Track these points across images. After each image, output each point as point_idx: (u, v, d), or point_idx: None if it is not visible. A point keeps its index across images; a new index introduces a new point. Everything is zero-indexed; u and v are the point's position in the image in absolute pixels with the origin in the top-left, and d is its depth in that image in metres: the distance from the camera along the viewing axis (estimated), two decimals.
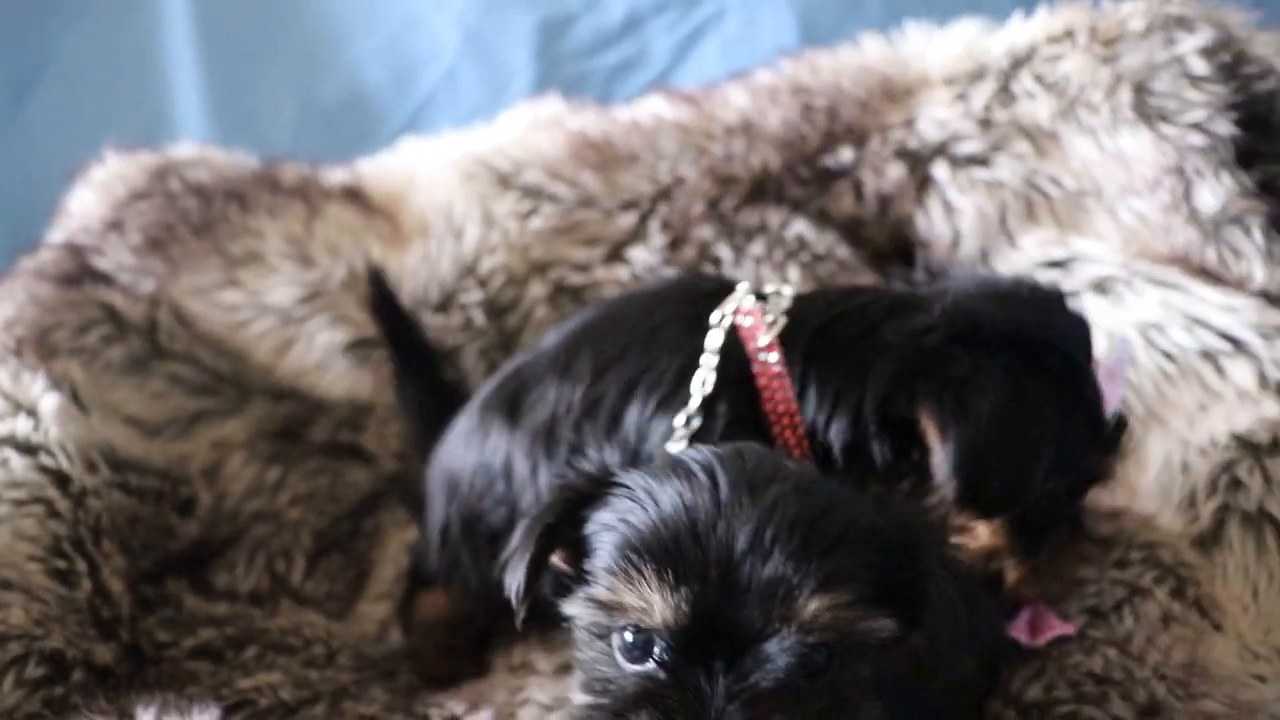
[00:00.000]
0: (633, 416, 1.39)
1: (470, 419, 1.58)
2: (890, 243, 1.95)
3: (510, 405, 1.50)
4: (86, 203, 1.94)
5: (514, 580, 1.15)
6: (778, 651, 0.98)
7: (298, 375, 1.91)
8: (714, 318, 1.38)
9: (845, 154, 1.92)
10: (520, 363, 1.59)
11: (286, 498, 1.90)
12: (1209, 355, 1.74)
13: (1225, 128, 1.77)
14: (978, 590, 1.14)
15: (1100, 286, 1.80)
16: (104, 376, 1.84)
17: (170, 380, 1.89)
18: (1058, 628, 1.48)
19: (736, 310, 1.38)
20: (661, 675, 1.01)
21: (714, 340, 1.36)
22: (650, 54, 2.39)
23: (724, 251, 1.90)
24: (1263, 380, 1.70)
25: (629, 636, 1.03)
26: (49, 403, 1.65)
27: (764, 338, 1.35)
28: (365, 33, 2.39)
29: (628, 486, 1.09)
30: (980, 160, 1.89)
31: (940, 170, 1.90)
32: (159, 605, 1.68)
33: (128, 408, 1.85)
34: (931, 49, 1.96)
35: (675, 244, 1.91)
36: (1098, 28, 1.83)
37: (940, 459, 1.26)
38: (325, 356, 1.90)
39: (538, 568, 1.13)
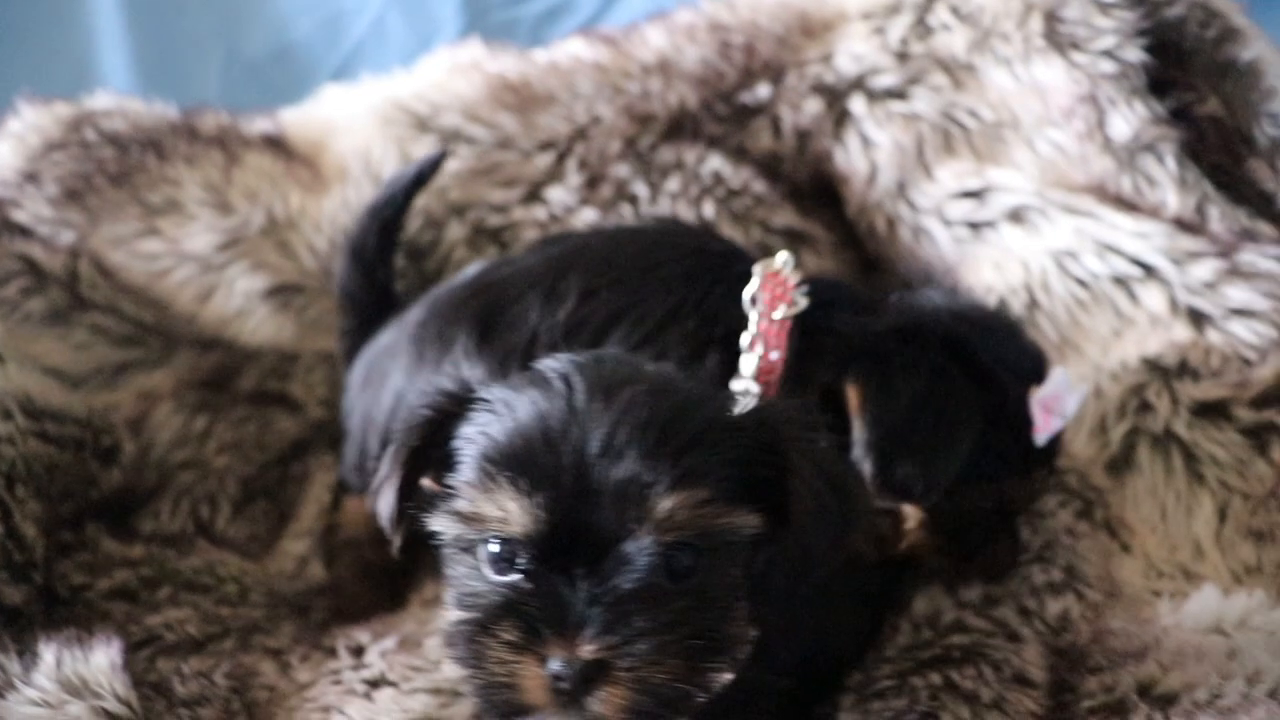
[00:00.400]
0: (613, 346, 1.40)
1: (425, 327, 1.55)
2: (810, 179, 1.94)
3: (482, 322, 1.47)
4: (1, 155, 1.93)
5: (385, 507, 1.16)
6: (637, 553, 0.98)
7: (221, 324, 1.91)
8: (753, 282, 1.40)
9: (763, 90, 1.92)
10: (490, 278, 1.56)
11: (213, 446, 1.91)
12: (1121, 281, 1.75)
13: (1135, 54, 1.77)
14: (849, 481, 1.13)
15: (1015, 216, 1.81)
16: (24, 328, 1.83)
17: (93, 331, 1.89)
18: None
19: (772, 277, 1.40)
20: (524, 584, 1.01)
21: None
22: (577, 1, 2.39)
23: (640, 189, 1.89)
24: (1173, 305, 1.71)
25: (493, 548, 1.04)
26: None
27: (780, 313, 1.38)
28: None
29: (487, 400, 1.09)
30: (897, 93, 1.89)
31: (857, 104, 1.90)
32: (77, 549, 1.68)
33: (50, 359, 1.84)
34: None
35: (592, 183, 1.91)
36: None
37: (858, 432, 1.30)
38: (246, 303, 1.89)
39: (407, 492, 1.14)
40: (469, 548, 1.07)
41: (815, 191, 1.95)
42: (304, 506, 1.84)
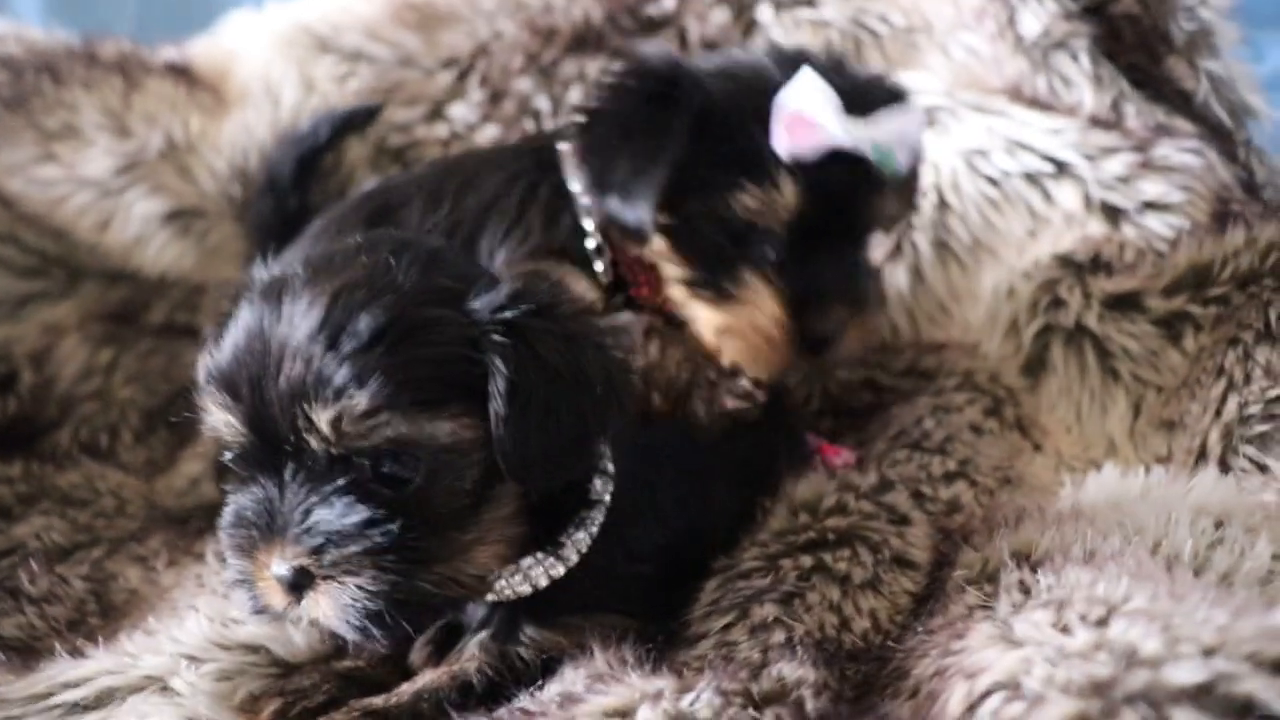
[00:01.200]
0: (485, 241, 1.43)
1: (319, 236, 1.56)
2: None
3: (371, 224, 1.48)
4: None
5: None
6: (327, 461, 0.99)
7: (123, 252, 1.88)
8: None
9: (668, 2, 1.88)
10: (379, 188, 1.62)
11: (119, 378, 1.88)
12: (1034, 179, 1.71)
13: None
14: (575, 397, 1.04)
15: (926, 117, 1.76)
16: None
17: None
18: (844, 456, 1.46)
19: None
20: (247, 493, 1.03)
21: None
22: None
23: (543, 103, 1.87)
24: (1087, 201, 1.67)
25: (229, 455, 1.05)
26: None
27: None
28: None
29: (228, 312, 1.08)
30: (805, 1, 1.85)
31: (764, 13, 1.86)
32: None
33: None
34: None
35: (494, 99, 1.88)
36: None
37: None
38: (144, 228, 1.86)
39: None
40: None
41: None
42: (188, 450, 1.79)
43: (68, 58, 1.91)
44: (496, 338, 1.00)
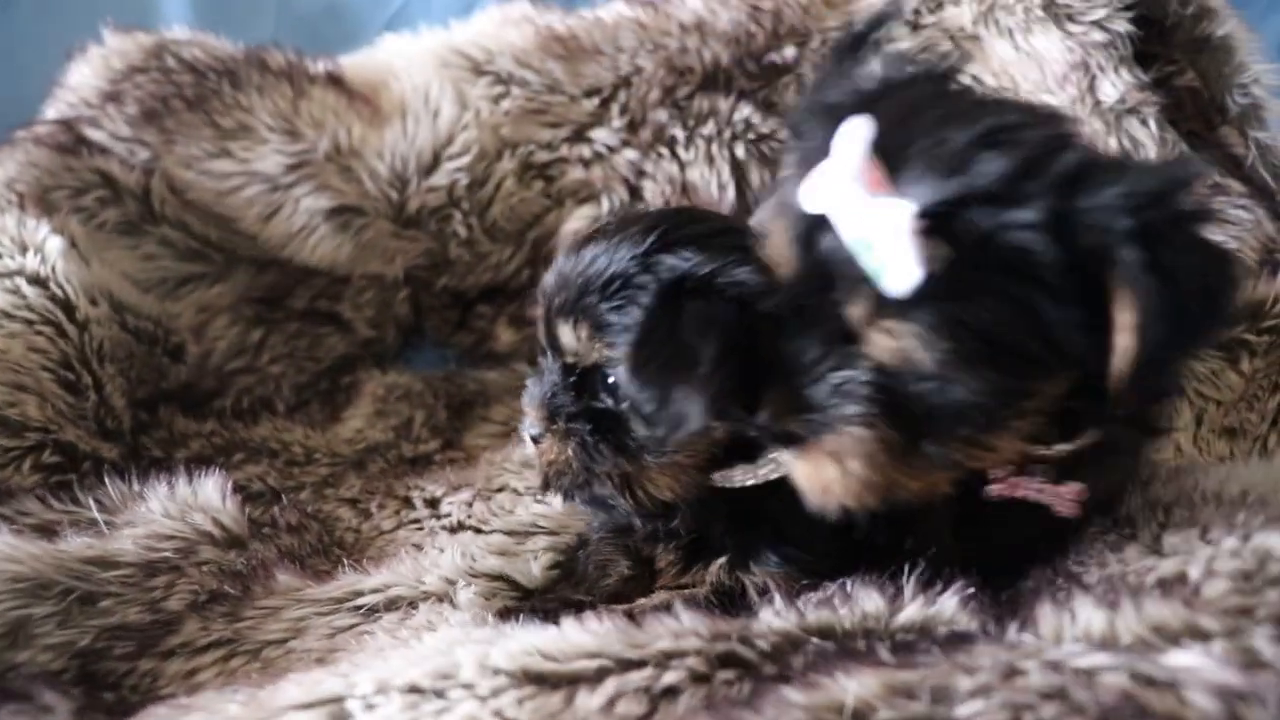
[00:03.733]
0: None
1: None
2: None
3: None
4: (84, 76, 2.16)
5: None
6: (572, 366, 1.33)
7: (283, 241, 2.14)
8: None
9: (789, 51, 2.18)
10: None
11: (267, 356, 2.14)
12: None
13: (1122, 26, 2.06)
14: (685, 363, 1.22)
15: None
16: (99, 235, 2.05)
17: (161, 244, 2.12)
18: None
19: None
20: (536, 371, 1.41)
21: None
22: None
23: (678, 132, 2.16)
24: None
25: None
26: (54, 244, 1.85)
27: None
28: None
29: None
30: (910, 60, 2.16)
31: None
32: (153, 428, 1.89)
33: (121, 265, 2.06)
34: None
35: (633, 126, 2.17)
36: None
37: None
38: (309, 220, 2.13)
39: None
40: None
41: None
42: (354, 408, 2.05)
43: (244, 64, 2.17)
44: (659, 295, 1.27)
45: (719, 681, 1.06)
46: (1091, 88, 2.07)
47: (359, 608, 1.35)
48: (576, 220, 2.16)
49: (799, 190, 1.08)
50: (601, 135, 2.17)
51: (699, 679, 1.06)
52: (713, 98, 2.17)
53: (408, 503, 1.69)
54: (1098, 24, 2.06)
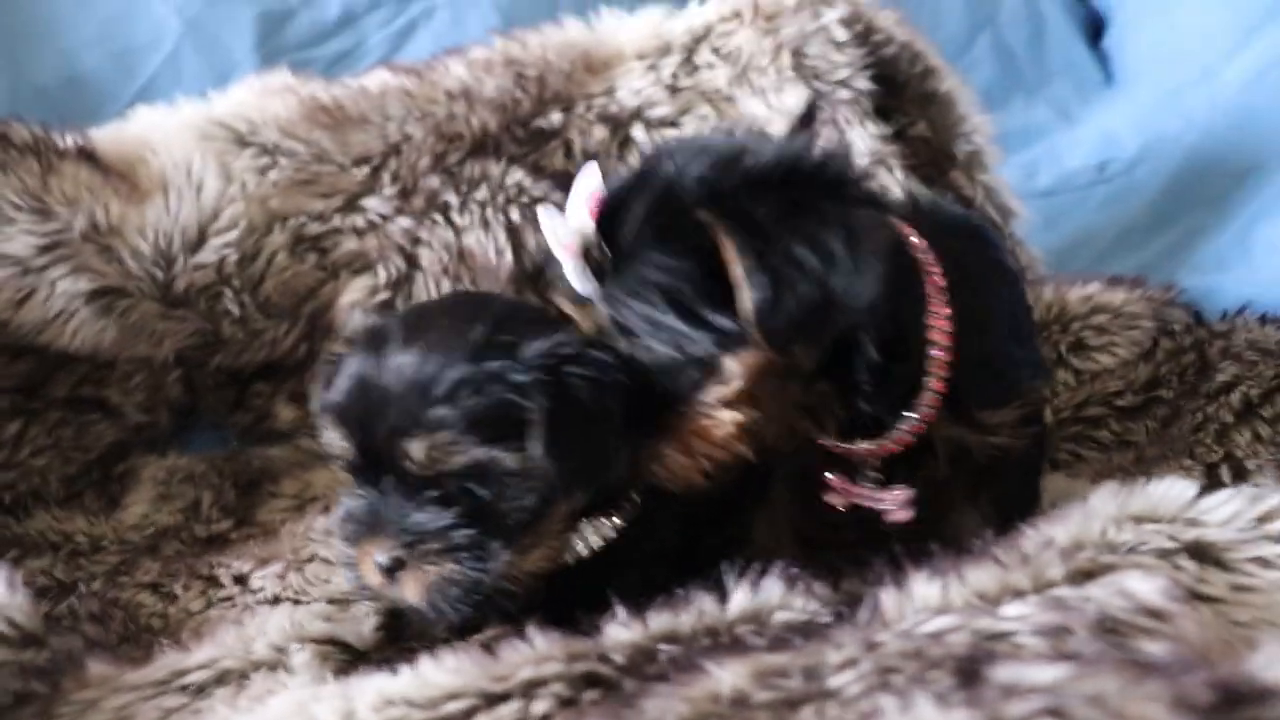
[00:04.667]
0: None
1: None
2: None
3: None
4: None
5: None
6: (419, 478, 1.35)
7: (38, 327, 2.04)
8: None
9: (555, 117, 2.29)
10: None
11: (28, 450, 2.05)
12: None
13: (864, 84, 2.30)
14: (592, 426, 1.36)
15: None
16: None
17: None
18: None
19: None
20: (358, 498, 1.41)
21: None
22: (366, 47, 2.73)
23: (451, 198, 2.22)
24: None
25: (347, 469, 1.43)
26: None
27: None
28: (82, 17, 2.57)
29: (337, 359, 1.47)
30: (670, 122, 2.31)
31: (638, 131, 2.30)
32: None
33: None
34: (624, 29, 2.39)
35: (405, 193, 2.22)
36: (760, 5, 2.33)
37: None
38: (67, 304, 2.04)
39: None
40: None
41: None
42: (135, 494, 1.98)
43: None
44: (540, 379, 1.34)
45: (586, 703, 1.12)
46: (841, 141, 2.27)
47: (185, 687, 1.32)
48: (353, 292, 2.18)
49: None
50: (374, 204, 2.20)
51: (566, 703, 1.12)
52: (484, 163, 2.25)
53: (213, 581, 1.66)
54: (843, 83, 2.28)
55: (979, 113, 2.44)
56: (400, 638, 1.49)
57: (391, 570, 1.36)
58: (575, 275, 1.34)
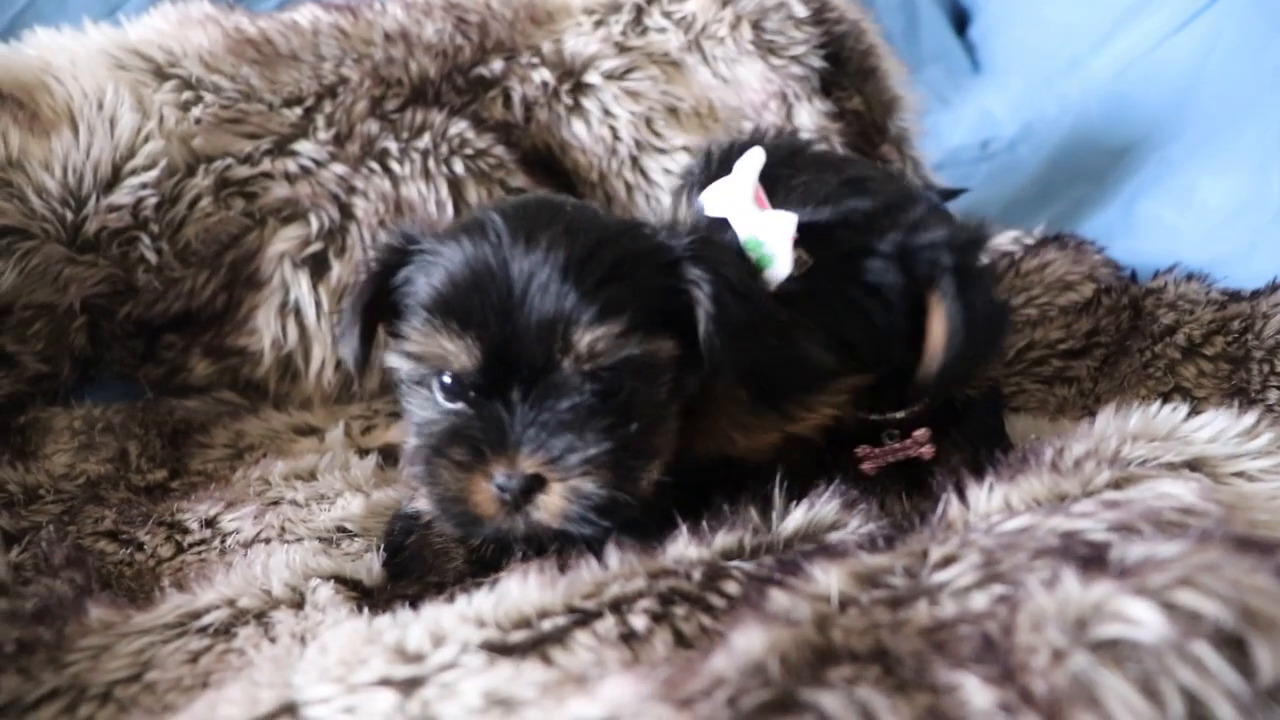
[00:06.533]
0: None
1: None
2: (534, 148, 2.32)
3: None
4: None
5: (348, 351, 1.42)
6: (563, 380, 1.27)
7: None
8: None
9: (496, 65, 2.28)
10: None
11: None
12: None
13: (817, 61, 2.38)
14: (755, 300, 1.35)
15: None
16: None
17: None
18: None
19: None
20: (469, 411, 1.30)
21: None
22: None
23: (390, 145, 2.18)
24: None
25: (445, 379, 1.32)
26: None
27: None
28: None
29: (425, 250, 1.35)
30: (617, 76, 2.33)
31: (594, 77, 2.32)
32: None
33: None
34: None
35: (339, 139, 2.17)
36: None
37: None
38: None
39: (368, 337, 1.40)
40: (422, 381, 1.35)
41: (541, 160, 2.32)
42: (53, 444, 1.85)
43: None
44: (695, 261, 1.32)
45: (677, 617, 1.12)
46: (789, 116, 2.34)
47: (205, 628, 1.25)
48: (282, 241, 2.11)
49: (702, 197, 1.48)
50: (306, 148, 2.14)
51: (657, 618, 1.13)
52: (425, 111, 2.22)
53: (177, 527, 1.58)
54: (796, 59, 2.35)
55: (909, 90, 2.56)
56: (402, 576, 1.44)
57: (528, 491, 1.26)
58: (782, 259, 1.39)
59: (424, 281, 1.32)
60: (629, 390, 1.30)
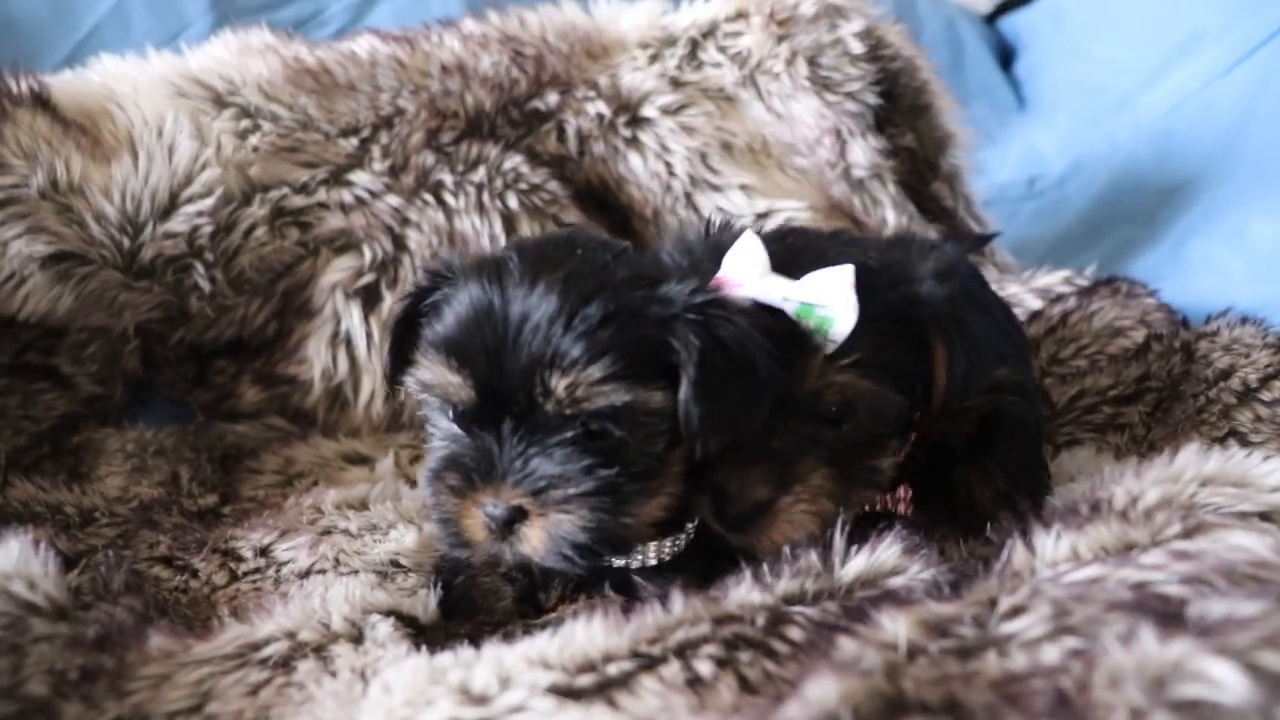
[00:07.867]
0: None
1: None
2: (587, 184, 2.34)
3: None
4: None
5: (382, 364, 1.49)
6: (550, 418, 1.33)
7: None
8: None
9: (552, 98, 2.31)
10: None
11: None
12: None
13: (872, 98, 2.40)
14: (749, 360, 1.37)
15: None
16: None
17: None
18: None
19: None
20: (465, 441, 1.37)
21: None
22: (326, 15, 2.69)
23: (446, 177, 2.21)
24: None
25: (448, 408, 1.39)
26: None
27: None
28: None
29: (452, 281, 1.41)
30: (673, 111, 2.35)
31: (648, 111, 2.35)
32: None
33: None
34: (624, 17, 2.44)
35: (395, 170, 2.20)
36: (773, 10, 2.41)
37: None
38: (20, 268, 1.94)
39: (399, 353, 1.46)
40: (436, 407, 1.42)
41: (595, 195, 2.34)
42: (107, 466, 1.89)
43: None
44: (690, 319, 1.35)
45: (742, 664, 1.13)
46: (843, 153, 2.36)
47: (265, 660, 1.27)
48: (335, 272, 2.14)
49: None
50: (362, 178, 2.18)
51: (721, 664, 1.14)
52: (480, 144, 2.24)
53: (232, 554, 1.61)
54: (851, 95, 2.37)
55: (961, 127, 2.57)
56: (456, 615, 1.46)
57: (510, 521, 1.32)
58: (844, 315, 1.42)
59: (442, 313, 1.38)
60: (620, 433, 1.34)
